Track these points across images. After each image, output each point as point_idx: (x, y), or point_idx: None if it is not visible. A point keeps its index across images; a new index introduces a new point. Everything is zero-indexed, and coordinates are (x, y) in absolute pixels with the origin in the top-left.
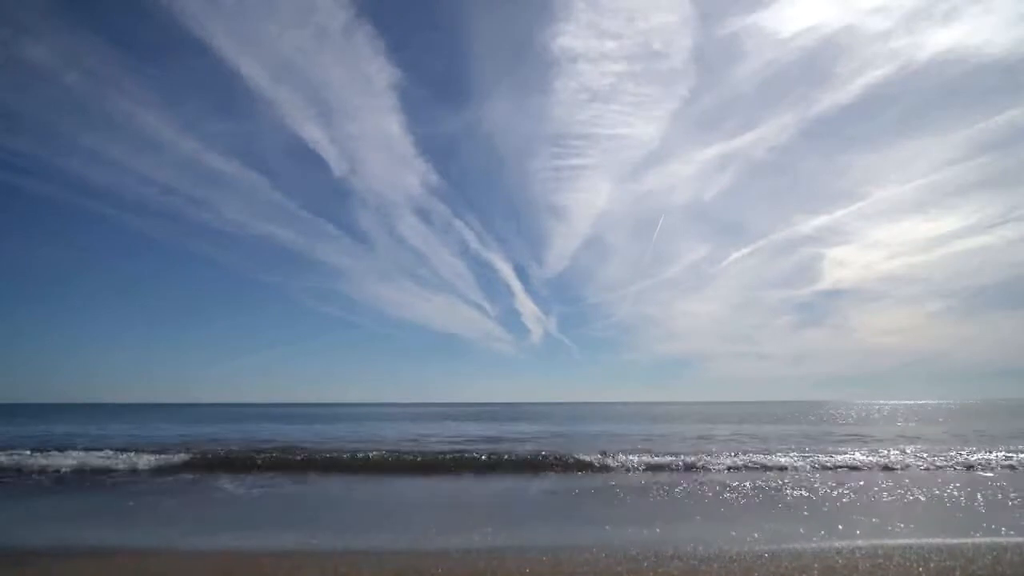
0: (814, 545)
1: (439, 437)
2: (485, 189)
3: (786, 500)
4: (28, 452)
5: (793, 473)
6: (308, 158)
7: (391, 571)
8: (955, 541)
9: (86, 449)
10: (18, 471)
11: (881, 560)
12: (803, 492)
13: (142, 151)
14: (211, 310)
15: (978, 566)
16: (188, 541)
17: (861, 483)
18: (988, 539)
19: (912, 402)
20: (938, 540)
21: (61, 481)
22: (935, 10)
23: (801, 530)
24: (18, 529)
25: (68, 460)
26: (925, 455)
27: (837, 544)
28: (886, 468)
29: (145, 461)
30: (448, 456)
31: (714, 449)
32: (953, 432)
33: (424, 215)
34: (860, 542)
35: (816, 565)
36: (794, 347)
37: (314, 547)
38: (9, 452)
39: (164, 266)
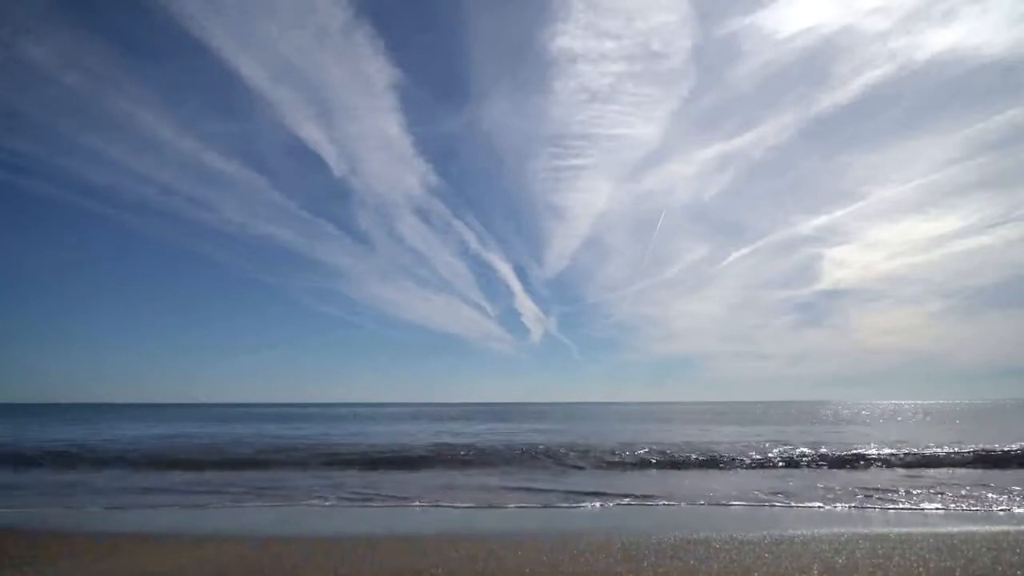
0: (814, 546)
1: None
2: (485, 189)
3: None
4: None
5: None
6: (308, 158)
7: (390, 571)
8: (956, 538)
9: None
10: None
11: (881, 560)
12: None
13: (142, 151)
14: (211, 310)
15: (978, 566)
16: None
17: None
18: (988, 532)
19: (911, 402)
20: (937, 534)
21: None
22: (934, 10)
23: (800, 529)
24: None
25: None
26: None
27: (837, 544)
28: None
29: None
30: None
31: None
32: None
33: (424, 215)
34: (860, 543)
35: (816, 565)
36: (794, 347)
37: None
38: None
39: (164, 266)
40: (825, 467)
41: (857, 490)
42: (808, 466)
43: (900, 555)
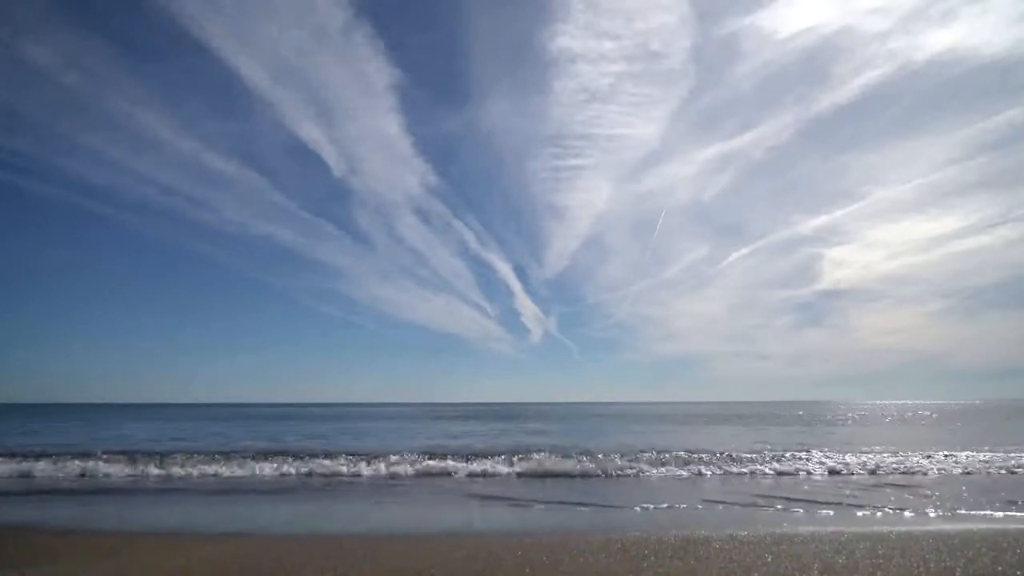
0: (814, 546)
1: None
2: (485, 189)
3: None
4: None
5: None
6: (308, 158)
7: (391, 571)
8: (956, 538)
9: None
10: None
11: (881, 560)
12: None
13: (142, 151)
14: (211, 310)
15: (978, 566)
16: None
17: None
18: (988, 531)
19: (911, 402)
20: (937, 534)
21: None
22: (933, 10)
23: (800, 528)
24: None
25: None
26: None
27: (837, 544)
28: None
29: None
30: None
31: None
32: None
33: (424, 215)
34: (860, 543)
35: (816, 565)
36: (794, 347)
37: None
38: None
39: (164, 266)
40: (821, 471)
41: (847, 492)
42: (805, 471)
43: (900, 555)
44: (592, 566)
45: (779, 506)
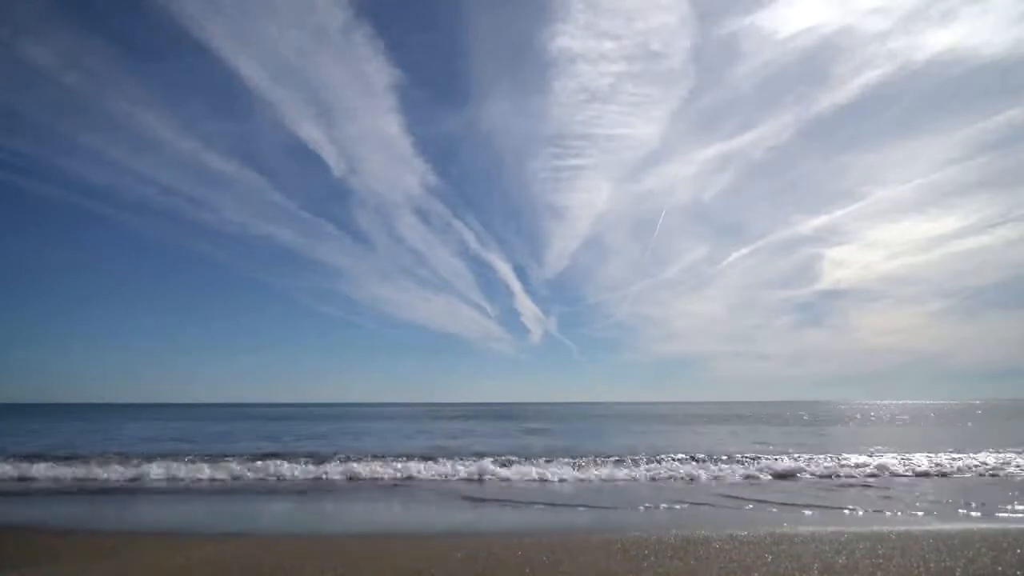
0: (814, 546)
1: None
2: (485, 189)
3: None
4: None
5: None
6: (308, 158)
7: (391, 571)
8: (956, 538)
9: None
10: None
11: (881, 560)
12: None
13: (142, 151)
14: (211, 310)
15: (978, 566)
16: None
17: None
18: (988, 531)
19: (911, 402)
20: (937, 534)
21: None
22: (933, 10)
23: (800, 528)
24: None
25: None
26: None
27: (837, 544)
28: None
29: None
30: None
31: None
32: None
33: (423, 215)
34: (860, 543)
35: (816, 565)
36: (794, 347)
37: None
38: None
39: (164, 266)
40: (819, 472)
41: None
42: (804, 471)
43: (900, 555)
44: (592, 566)
45: (778, 507)
